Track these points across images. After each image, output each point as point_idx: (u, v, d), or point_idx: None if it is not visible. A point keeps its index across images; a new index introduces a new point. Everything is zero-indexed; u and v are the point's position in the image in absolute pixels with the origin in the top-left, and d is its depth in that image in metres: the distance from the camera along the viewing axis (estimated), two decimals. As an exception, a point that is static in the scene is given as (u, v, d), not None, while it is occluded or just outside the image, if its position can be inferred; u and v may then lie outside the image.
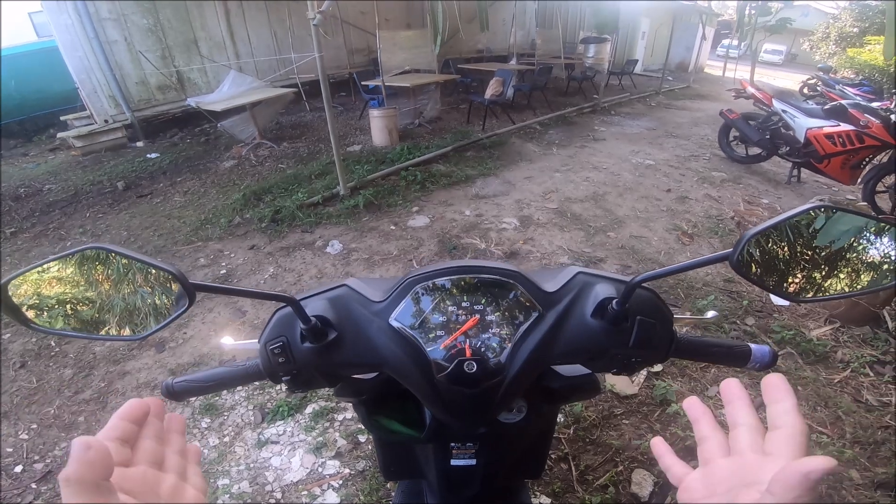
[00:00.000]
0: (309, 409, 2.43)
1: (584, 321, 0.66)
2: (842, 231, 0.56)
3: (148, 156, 6.57)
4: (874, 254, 0.56)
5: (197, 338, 2.99)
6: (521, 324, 0.66)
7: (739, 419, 0.42)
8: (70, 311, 0.57)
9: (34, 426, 2.42)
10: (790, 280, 0.58)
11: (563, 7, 13.50)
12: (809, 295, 0.59)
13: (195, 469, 0.46)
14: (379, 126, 6.64)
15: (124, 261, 0.55)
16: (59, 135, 6.95)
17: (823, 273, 0.58)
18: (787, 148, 5.71)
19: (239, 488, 2.07)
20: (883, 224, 0.55)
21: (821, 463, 0.32)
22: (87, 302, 0.57)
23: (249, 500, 2.02)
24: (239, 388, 2.56)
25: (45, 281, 0.56)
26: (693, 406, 0.48)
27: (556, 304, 0.68)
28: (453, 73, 9.64)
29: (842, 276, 0.57)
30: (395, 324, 0.67)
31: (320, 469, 2.14)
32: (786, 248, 0.57)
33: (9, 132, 7.54)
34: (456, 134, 7.20)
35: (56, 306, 0.57)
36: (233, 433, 2.34)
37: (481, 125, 7.81)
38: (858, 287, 0.57)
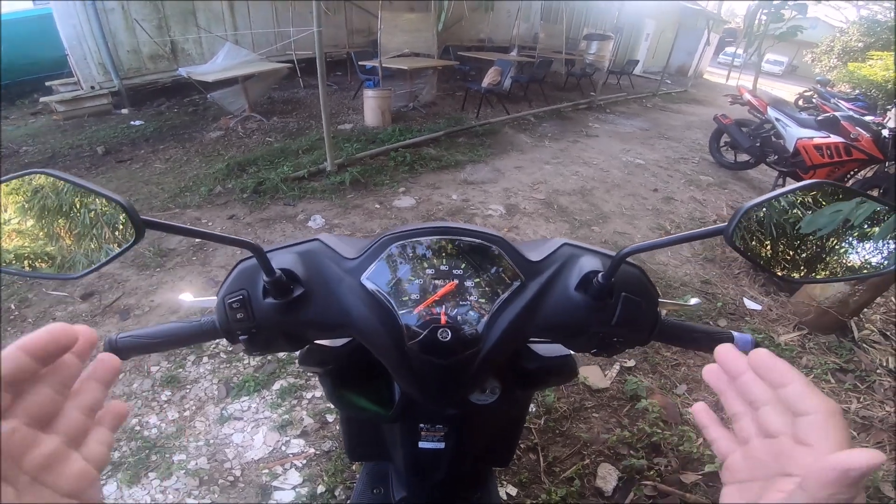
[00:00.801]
0: (276, 386, 2.38)
1: (567, 294, 0.62)
2: (840, 211, 0.53)
3: (132, 123, 6.44)
4: (871, 237, 0.53)
5: (164, 306, 2.91)
6: (501, 292, 0.62)
7: (762, 397, 0.37)
8: (4, 244, 0.51)
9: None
10: (783, 258, 0.55)
11: (568, 3, 13.45)
12: (802, 276, 0.56)
13: (102, 435, 0.36)
14: (372, 106, 6.58)
15: (69, 189, 0.50)
16: (42, 99, 6.78)
17: (818, 253, 0.55)
18: (776, 156, 5.76)
19: (196, 464, 2.01)
20: (882, 207, 0.52)
21: (865, 457, 0.27)
22: (23, 235, 0.51)
23: (206, 477, 1.97)
24: (205, 359, 2.51)
25: None
26: (717, 378, 0.41)
27: (540, 275, 0.64)
28: (452, 60, 9.56)
29: (836, 258, 0.55)
30: (367, 283, 0.62)
31: (284, 448, 2.10)
32: (780, 227, 0.54)
33: (-10, 96, 7.40)
34: (449, 119, 7.17)
35: None
36: (194, 407, 2.27)
37: (476, 113, 7.78)
38: (852, 271, 0.55)
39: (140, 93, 7.37)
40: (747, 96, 6.15)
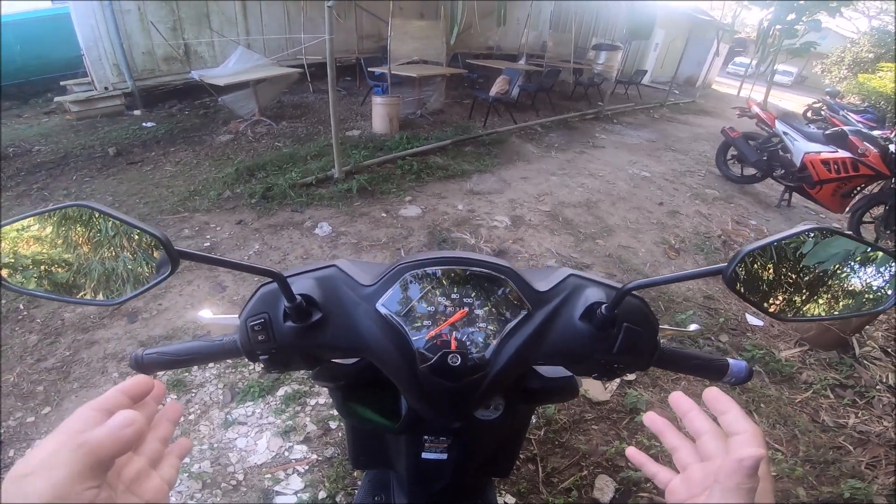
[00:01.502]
0: (281, 392, 2.41)
1: (571, 323, 0.65)
2: (834, 254, 0.57)
3: (143, 124, 6.50)
4: (864, 279, 0.57)
5: (172, 310, 2.95)
6: (508, 320, 0.65)
7: (702, 428, 0.47)
8: (45, 272, 0.55)
9: (-9, 394, 2.36)
10: (780, 299, 0.59)
11: (578, 12, 13.47)
12: (797, 314, 0.59)
13: (172, 462, 0.46)
14: (380, 113, 6.62)
15: (108, 221, 0.53)
16: (56, 99, 6.86)
17: (813, 294, 0.59)
18: (782, 171, 5.74)
19: (199, 468, 2.04)
20: (875, 251, 0.55)
21: (751, 451, 0.39)
22: (64, 263, 0.55)
23: (209, 481, 2.00)
24: (211, 364, 2.54)
25: (21, 238, 0.54)
26: (654, 420, 0.52)
27: (546, 304, 0.67)
28: (461, 68, 9.59)
29: (831, 298, 0.58)
30: (381, 310, 0.65)
31: (287, 453, 2.12)
32: (778, 268, 0.58)
33: (6, 95, 7.46)
34: (457, 128, 7.18)
35: (31, 266, 0.54)
36: (199, 411, 2.31)
37: (483, 122, 7.80)
38: (847, 310, 0.58)
39: (152, 94, 7.44)
40: (755, 109, 6.13)
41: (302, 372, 2.49)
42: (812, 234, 0.55)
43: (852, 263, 0.57)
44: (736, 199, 6.05)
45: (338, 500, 1.93)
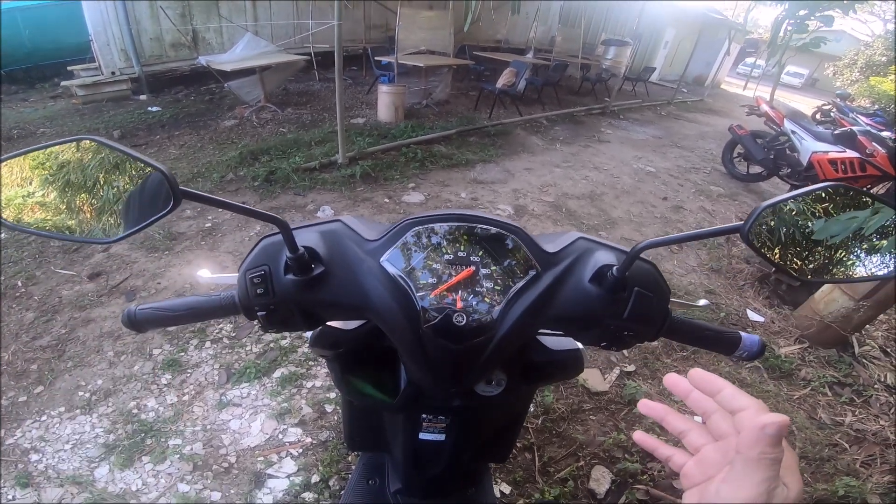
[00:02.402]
0: (277, 374, 2.40)
1: (581, 286, 0.63)
2: (854, 218, 0.55)
3: (149, 108, 6.50)
4: (882, 239, 0.56)
5: (171, 289, 2.95)
6: (516, 281, 0.63)
7: (711, 407, 0.44)
8: (47, 207, 0.54)
9: (-16, 373, 2.34)
10: (797, 257, 0.58)
11: (588, 7, 13.39)
12: (814, 274, 0.58)
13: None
14: (386, 102, 6.60)
15: (112, 156, 0.53)
16: (63, 83, 6.87)
17: (829, 254, 0.58)
18: (789, 170, 5.72)
19: (191, 449, 2.03)
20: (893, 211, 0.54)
21: (777, 417, 0.36)
22: (65, 199, 0.54)
23: (200, 463, 1.98)
24: (207, 344, 2.53)
25: (22, 173, 0.53)
26: (652, 407, 0.49)
27: (555, 266, 0.65)
28: (468, 59, 9.55)
29: (847, 259, 0.57)
30: (386, 266, 0.63)
31: (281, 436, 2.11)
32: (795, 227, 0.56)
33: (13, 79, 7.50)
34: (462, 118, 7.16)
35: (29, 200, 0.54)
36: (193, 392, 2.29)
37: (489, 113, 7.77)
38: (865, 272, 0.56)
39: (159, 80, 7.45)
40: (764, 107, 6.11)
41: (300, 354, 2.49)
42: (831, 191, 0.53)
43: (873, 222, 0.56)
44: (741, 197, 6.03)
45: (331, 483, 1.92)
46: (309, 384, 2.37)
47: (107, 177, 0.54)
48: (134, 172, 0.54)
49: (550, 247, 0.67)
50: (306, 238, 0.63)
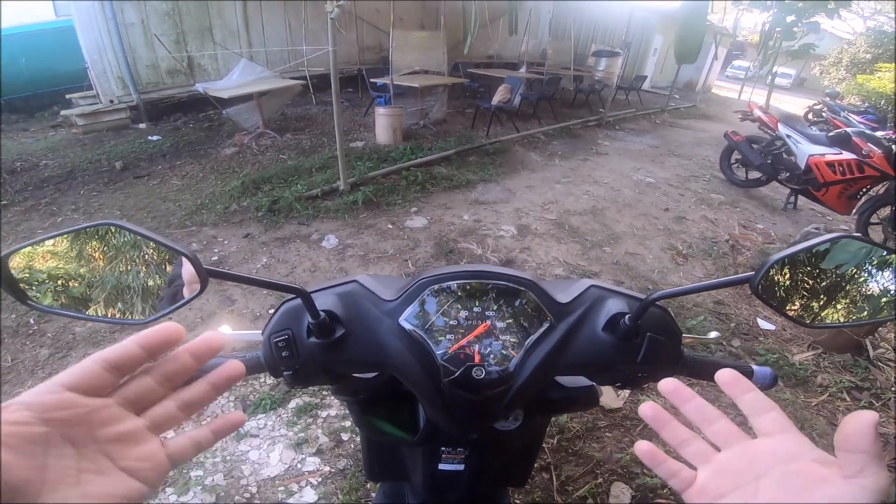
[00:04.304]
0: (292, 404, 2.41)
1: (594, 334, 0.66)
2: (861, 261, 0.57)
3: (149, 138, 6.55)
4: (889, 283, 0.57)
5: (182, 323, 2.92)
6: (531, 333, 0.65)
7: (713, 414, 0.42)
8: (72, 290, 0.55)
9: (-1, 407, 2.37)
10: (806, 306, 0.60)
11: (576, 19, 13.52)
12: (823, 321, 0.60)
13: (199, 434, 0.41)
14: (384, 124, 6.65)
15: (138, 240, 0.54)
16: (63, 112, 6.93)
17: (838, 300, 0.59)
18: (787, 174, 5.74)
19: (213, 480, 2.03)
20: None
21: (873, 414, 0.34)
22: (89, 281, 0.55)
23: (222, 494, 1.99)
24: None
25: (49, 255, 0.54)
26: (657, 412, 0.44)
27: (568, 316, 0.67)
28: (462, 77, 9.64)
29: (854, 303, 0.59)
30: (404, 324, 0.65)
31: (299, 465, 2.12)
32: (803, 275, 0.59)
33: (12, 108, 7.54)
34: (460, 138, 7.20)
35: (57, 284, 0.55)
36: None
37: (486, 131, 7.83)
38: (874, 315, 0.58)
39: (157, 107, 7.51)
40: (758, 112, 6.14)
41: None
42: (844, 240, 0.56)
43: (873, 269, 0.58)
44: (742, 203, 6.05)
45: (352, 511, 1.93)
46: (324, 414, 2.38)
47: (134, 259, 0.56)
48: (160, 255, 0.56)
49: (563, 296, 0.69)
50: (325, 301, 0.66)
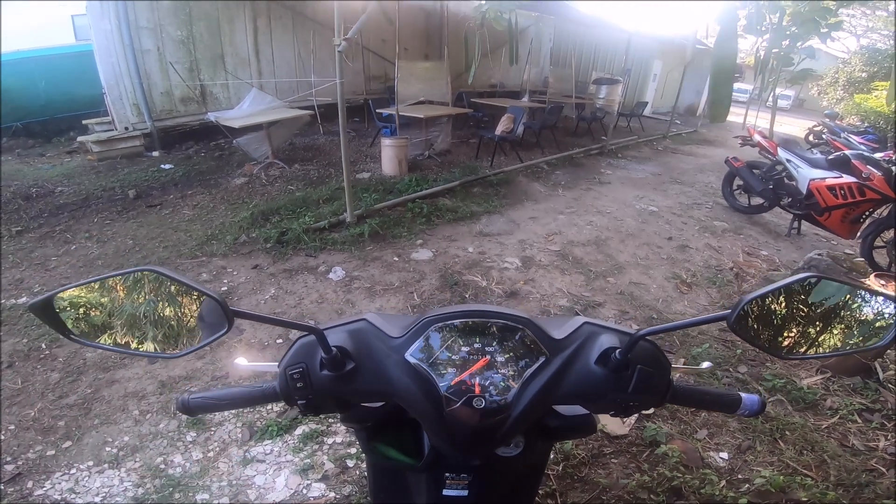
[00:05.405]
0: (299, 431, 2.45)
1: (587, 367, 0.73)
2: (830, 297, 0.64)
3: (162, 166, 6.68)
4: (859, 318, 0.64)
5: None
6: (527, 366, 0.72)
7: None
8: (110, 326, 0.65)
9: (11, 427, 2.41)
10: (781, 339, 0.67)
11: (577, 47, 13.76)
12: (800, 353, 0.68)
13: None
14: (390, 155, 6.72)
15: (172, 286, 0.63)
16: (80, 138, 7.08)
17: (812, 334, 0.67)
18: (789, 199, 5.73)
19: (219, 504, 2.07)
20: (868, 292, 0.63)
21: None
22: (127, 319, 0.64)
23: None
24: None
25: (90, 297, 0.64)
26: None
27: (563, 351, 0.74)
28: (466, 107, 9.77)
29: (829, 337, 0.66)
30: (410, 359, 0.73)
31: (305, 491, 2.14)
32: (780, 310, 0.66)
33: (30, 132, 7.67)
34: (464, 168, 7.26)
35: (97, 320, 0.64)
36: (218, 449, 2.34)
37: (490, 161, 7.89)
38: (844, 347, 0.66)
39: (170, 135, 7.66)
40: (757, 137, 6.19)
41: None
42: (813, 280, 0.62)
43: (849, 303, 0.64)
44: (745, 230, 6.05)
45: (357, 537, 1.95)
46: (330, 440, 2.41)
47: (166, 301, 0.65)
48: (191, 297, 0.65)
49: (558, 333, 0.77)
50: (337, 338, 0.74)
